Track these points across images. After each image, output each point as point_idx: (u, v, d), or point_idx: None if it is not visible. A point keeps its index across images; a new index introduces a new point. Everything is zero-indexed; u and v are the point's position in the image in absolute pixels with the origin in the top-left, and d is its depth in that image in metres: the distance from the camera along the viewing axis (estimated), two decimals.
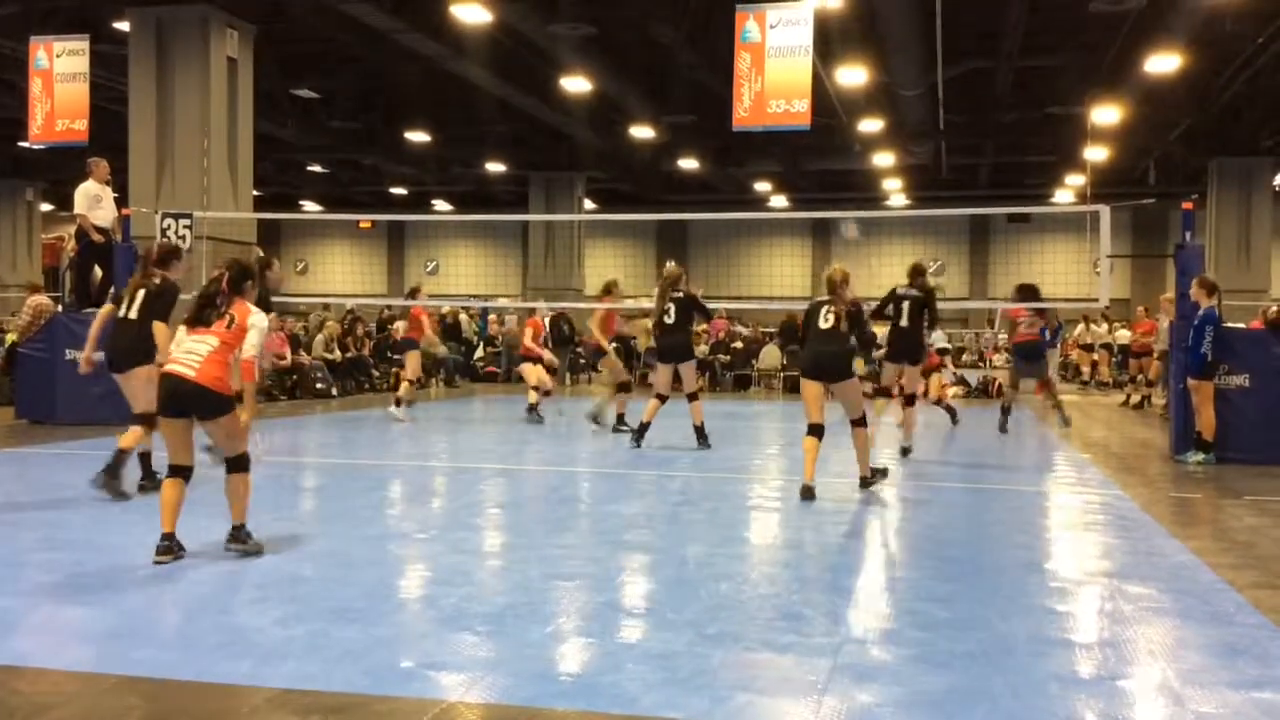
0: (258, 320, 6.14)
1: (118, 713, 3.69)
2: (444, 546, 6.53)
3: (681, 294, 11.48)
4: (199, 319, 6.09)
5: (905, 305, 11.00)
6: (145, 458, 8.16)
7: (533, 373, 14.73)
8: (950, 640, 4.61)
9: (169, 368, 6.01)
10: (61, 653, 4.39)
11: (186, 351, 5.98)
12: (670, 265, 12.26)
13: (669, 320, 11.35)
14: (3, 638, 4.50)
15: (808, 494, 8.21)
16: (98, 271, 13.72)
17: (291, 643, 4.45)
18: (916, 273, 11.25)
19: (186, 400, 5.90)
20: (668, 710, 3.74)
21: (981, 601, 5.31)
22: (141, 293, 7.96)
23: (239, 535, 6.05)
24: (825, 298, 8.73)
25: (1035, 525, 7.88)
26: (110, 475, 7.77)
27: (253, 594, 5.24)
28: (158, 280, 8.05)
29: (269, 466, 10.32)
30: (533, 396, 14.50)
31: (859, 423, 8.65)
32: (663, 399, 11.51)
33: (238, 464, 6.09)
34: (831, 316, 8.57)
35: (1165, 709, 3.90)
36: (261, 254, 16.29)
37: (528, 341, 15.02)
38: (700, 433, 11.45)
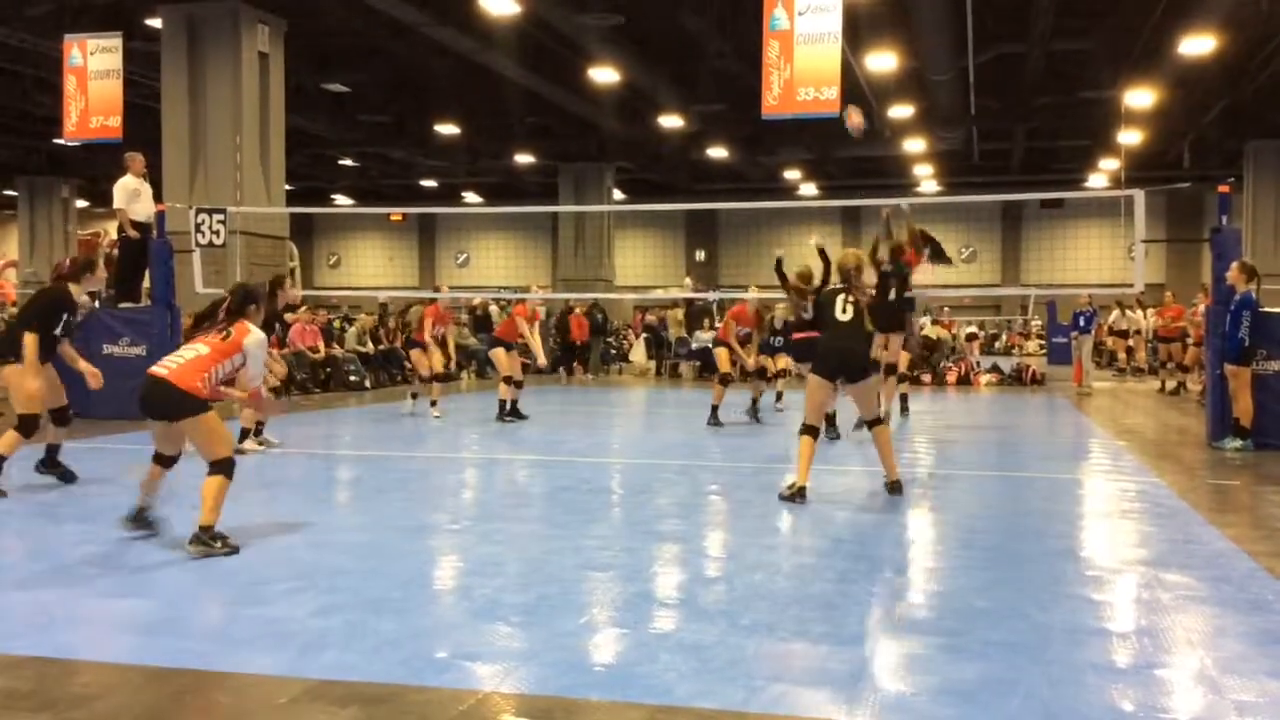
0: (252, 344, 6.11)
1: (157, 704, 3.74)
2: (477, 538, 6.56)
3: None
4: (195, 333, 6.22)
5: (892, 283, 11.02)
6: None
7: (505, 361, 13.73)
8: (986, 630, 4.59)
9: (150, 369, 6.11)
10: (101, 644, 4.44)
11: (172, 356, 6.10)
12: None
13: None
14: (43, 630, 4.57)
15: (801, 495, 7.57)
16: None
17: (328, 634, 4.49)
18: (899, 252, 11.48)
19: (154, 400, 5.95)
20: (702, 700, 3.74)
21: (1017, 591, 5.28)
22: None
23: (200, 537, 5.85)
24: (840, 285, 8.06)
25: (1071, 513, 7.82)
26: None
27: (290, 585, 5.29)
28: (52, 286, 8.22)
29: (305, 459, 10.41)
30: (503, 391, 13.61)
31: (878, 422, 8.06)
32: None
33: (218, 467, 5.98)
34: (850, 308, 7.85)
35: (1204, 698, 3.87)
36: (294, 261, 16.38)
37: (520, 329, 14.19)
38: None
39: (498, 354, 13.96)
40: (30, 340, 7.82)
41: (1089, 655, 4.30)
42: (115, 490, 8.04)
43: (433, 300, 14.77)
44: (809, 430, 7.81)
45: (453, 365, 16.54)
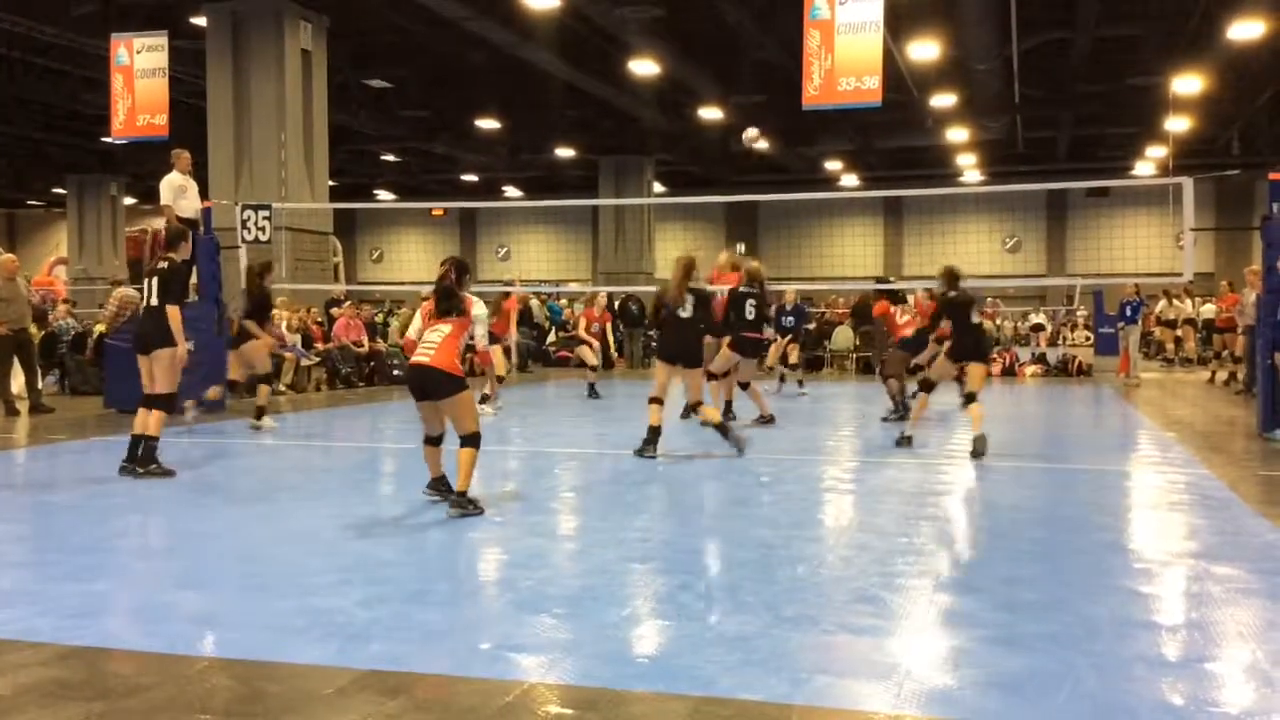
0: (480, 311, 7.04)
1: (206, 694, 3.78)
2: (520, 530, 6.59)
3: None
4: (438, 310, 6.86)
5: (960, 309, 10.81)
6: (138, 441, 8.38)
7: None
8: (1033, 622, 4.55)
9: (413, 359, 6.82)
10: (151, 635, 4.51)
11: (424, 344, 6.74)
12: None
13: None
14: (96, 620, 4.64)
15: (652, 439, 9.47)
16: None
17: (375, 625, 4.53)
18: (955, 277, 10.45)
19: (425, 386, 6.74)
20: (746, 692, 3.74)
21: (1064, 583, 5.23)
22: (155, 279, 8.36)
23: (459, 501, 6.77)
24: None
25: (1119, 505, 7.73)
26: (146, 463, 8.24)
27: (336, 577, 5.34)
28: (164, 265, 8.36)
29: (350, 452, 10.49)
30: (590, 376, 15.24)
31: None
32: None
33: (470, 440, 6.82)
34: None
35: (1255, 691, 3.82)
36: (337, 256, 16.64)
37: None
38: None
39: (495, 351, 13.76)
40: (176, 315, 8.39)
41: (1137, 648, 4.25)
42: (163, 483, 8.16)
43: (507, 294, 15.01)
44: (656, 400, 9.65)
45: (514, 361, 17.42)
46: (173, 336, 8.16)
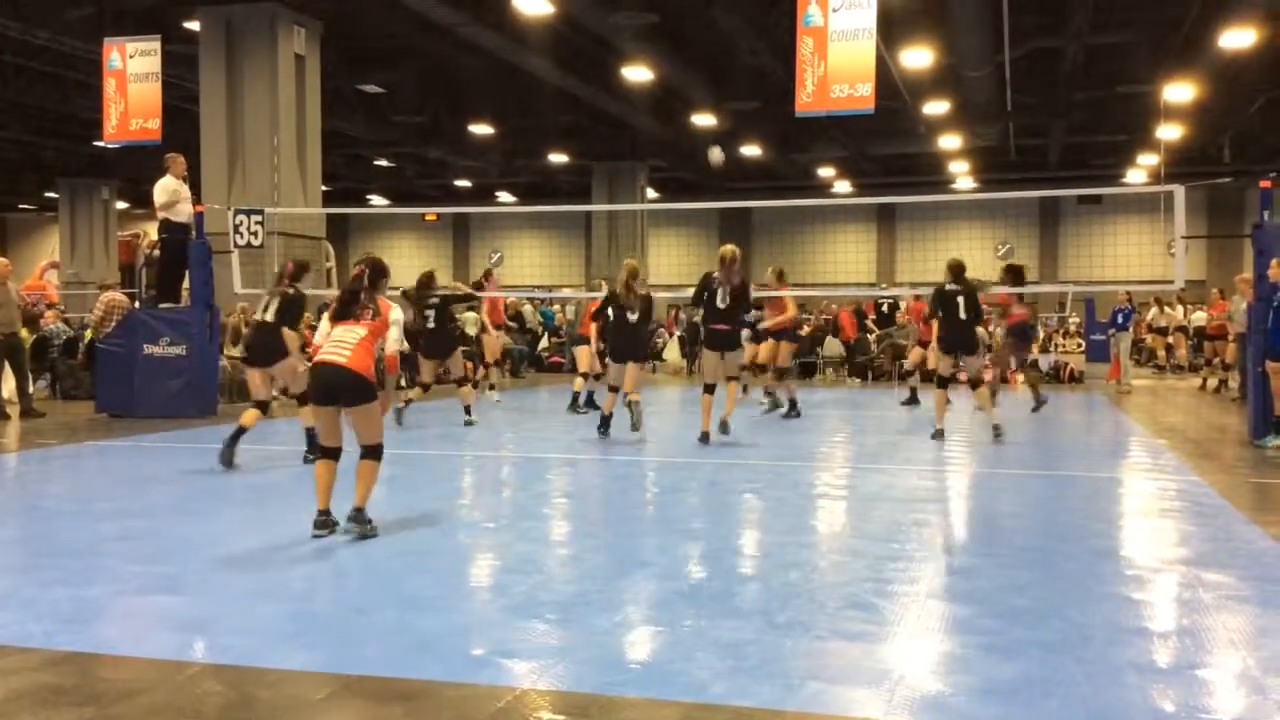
0: (396, 315, 6.55)
1: (198, 699, 3.77)
2: (513, 535, 6.59)
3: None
4: (346, 313, 6.47)
5: (960, 301, 11.14)
6: (312, 431, 8.86)
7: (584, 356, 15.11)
8: (1025, 629, 4.56)
9: (321, 356, 6.40)
10: (144, 640, 4.50)
11: (333, 343, 6.36)
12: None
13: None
14: (87, 626, 4.63)
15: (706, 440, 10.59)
16: None
17: (367, 630, 4.52)
18: (960, 269, 11.37)
19: (337, 386, 6.28)
20: (738, 699, 3.74)
21: (1057, 590, 5.24)
22: (277, 301, 9.36)
23: (358, 517, 6.31)
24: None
25: (1111, 512, 7.75)
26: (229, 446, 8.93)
27: (328, 582, 5.33)
28: (291, 291, 9.41)
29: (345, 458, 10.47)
30: (578, 383, 15.04)
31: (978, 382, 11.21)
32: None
33: (374, 451, 6.42)
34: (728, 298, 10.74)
35: (1246, 698, 3.82)
36: (330, 261, 16.82)
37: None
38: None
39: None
40: (292, 337, 9.47)
41: (1129, 655, 4.26)
42: (156, 488, 8.15)
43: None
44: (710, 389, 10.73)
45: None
46: (287, 350, 9.33)
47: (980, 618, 4.75)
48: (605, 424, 11.41)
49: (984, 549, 6.35)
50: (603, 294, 13.56)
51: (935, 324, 11.65)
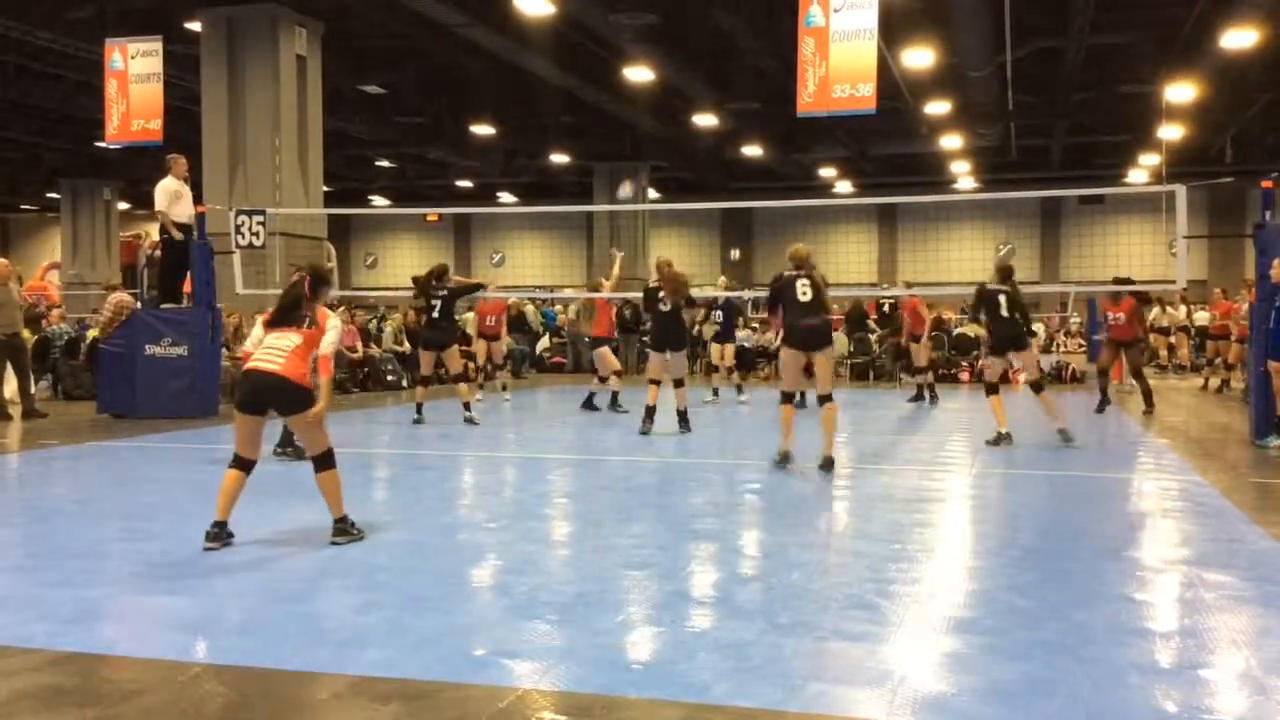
0: (334, 324, 6.31)
1: (200, 700, 3.77)
2: (514, 536, 6.58)
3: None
4: (283, 319, 6.25)
5: (1002, 299, 10.97)
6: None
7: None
8: (1028, 629, 4.56)
9: (252, 363, 6.17)
10: (146, 641, 4.50)
11: (266, 350, 6.15)
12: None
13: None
14: (90, 626, 4.63)
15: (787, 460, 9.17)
16: None
17: (368, 631, 4.52)
18: (1009, 272, 11.35)
19: (268, 393, 6.06)
20: (740, 699, 3.74)
21: (1058, 590, 5.24)
22: (440, 302, 12.00)
23: (341, 528, 6.19)
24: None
25: (1113, 512, 7.74)
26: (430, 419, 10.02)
27: (330, 583, 5.33)
28: (446, 292, 11.77)
29: (342, 458, 10.47)
30: (596, 384, 15.15)
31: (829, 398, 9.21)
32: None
33: (326, 460, 6.22)
34: (809, 291, 9.14)
35: (1248, 699, 3.82)
36: (331, 262, 16.94)
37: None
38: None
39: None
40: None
41: (1131, 655, 4.26)
42: (158, 488, 8.15)
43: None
44: (788, 398, 9.23)
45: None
46: (455, 338, 12.47)
47: (982, 618, 4.74)
48: (649, 415, 11.77)
49: (985, 549, 6.35)
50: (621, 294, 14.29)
51: (983, 327, 11.81)
